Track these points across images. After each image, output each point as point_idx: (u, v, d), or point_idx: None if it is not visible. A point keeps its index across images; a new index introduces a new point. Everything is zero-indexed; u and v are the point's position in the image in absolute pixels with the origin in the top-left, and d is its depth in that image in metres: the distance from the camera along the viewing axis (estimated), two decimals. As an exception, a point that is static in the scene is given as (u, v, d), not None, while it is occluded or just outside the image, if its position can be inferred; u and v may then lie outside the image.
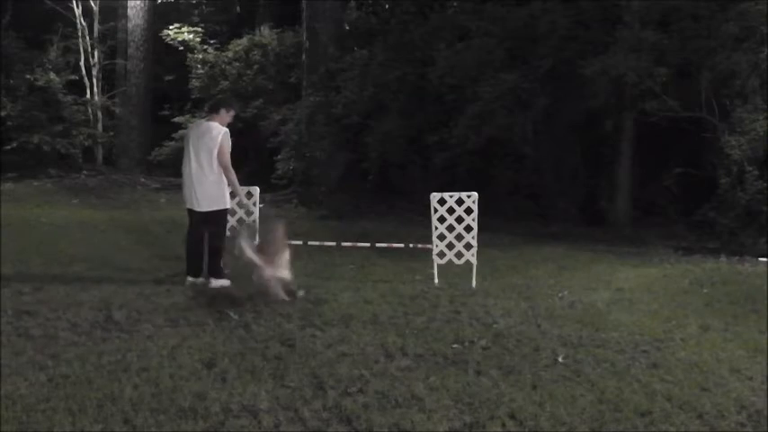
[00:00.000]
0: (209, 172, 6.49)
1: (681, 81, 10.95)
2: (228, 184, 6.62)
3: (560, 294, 6.82)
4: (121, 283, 6.66)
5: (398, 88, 13.91)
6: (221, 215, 6.67)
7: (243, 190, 6.91)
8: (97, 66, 18.86)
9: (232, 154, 6.61)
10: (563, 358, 4.61)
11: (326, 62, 15.33)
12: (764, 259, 9.28)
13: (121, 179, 17.43)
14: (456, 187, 7.65)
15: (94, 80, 18.81)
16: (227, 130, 6.58)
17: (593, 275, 8.00)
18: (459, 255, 7.27)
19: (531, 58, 12.33)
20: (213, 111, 6.74)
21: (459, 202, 7.25)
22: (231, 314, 5.57)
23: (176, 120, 18.83)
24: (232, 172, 6.56)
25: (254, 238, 6.73)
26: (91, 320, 5.29)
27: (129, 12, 18.95)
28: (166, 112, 19.62)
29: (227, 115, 6.72)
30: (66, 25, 18.60)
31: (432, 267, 7.34)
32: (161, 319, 5.38)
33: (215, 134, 6.51)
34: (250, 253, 6.10)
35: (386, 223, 12.20)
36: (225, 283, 6.56)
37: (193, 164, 6.53)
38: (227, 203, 6.67)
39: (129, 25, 18.96)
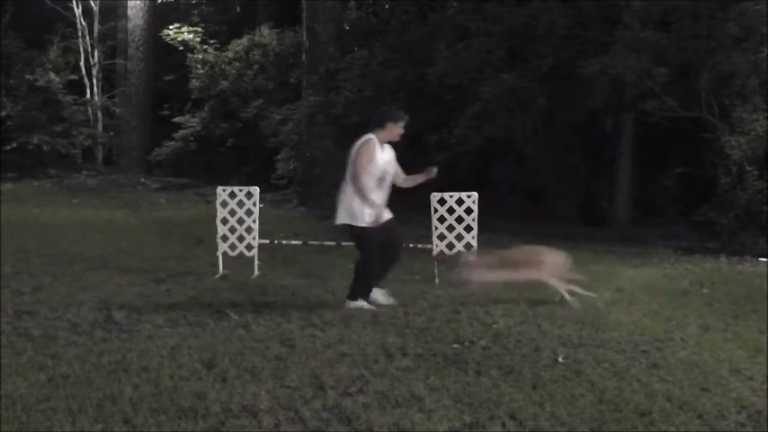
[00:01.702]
0: (348, 184, 5.96)
1: (681, 81, 10.93)
2: (358, 197, 5.89)
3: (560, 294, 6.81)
4: (121, 283, 6.67)
5: (398, 88, 13.90)
6: (356, 232, 5.98)
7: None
8: (97, 66, 18.90)
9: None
10: (563, 358, 4.61)
11: (326, 62, 15.33)
12: (764, 259, 9.28)
13: (121, 179, 17.45)
14: (456, 187, 7.64)
15: (94, 80, 18.84)
16: (369, 138, 5.94)
17: (593, 275, 7.98)
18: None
19: (531, 58, 12.32)
20: (377, 125, 6.05)
21: (459, 202, 7.25)
22: (231, 314, 5.57)
23: (176, 120, 18.86)
24: (361, 182, 5.85)
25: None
26: (91, 320, 5.29)
27: (129, 12, 18.98)
28: (166, 112, 19.65)
29: (396, 127, 6.08)
30: (66, 25, 18.64)
31: (432, 267, 7.34)
32: (161, 319, 5.39)
33: (356, 143, 5.99)
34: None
35: (386, 223, 12.18)
36: (362, 305, 5.95)
37: (346, 177, 6.01)
38: (364, 220, 5.90)
39: (129, 25, 18.98)
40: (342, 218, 5.98)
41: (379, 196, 6.00)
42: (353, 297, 6.00)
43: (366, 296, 6.04)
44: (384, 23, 16.50)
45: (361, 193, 5.85)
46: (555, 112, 12.72)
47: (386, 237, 6.01)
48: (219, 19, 20.83)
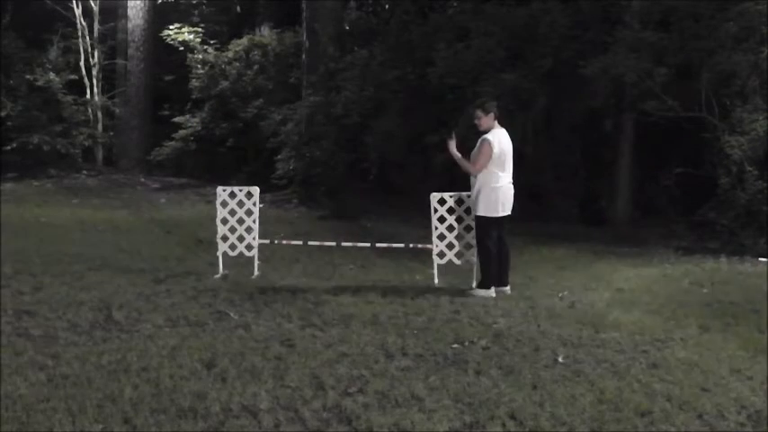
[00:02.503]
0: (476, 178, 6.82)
1: (681, 81, 10.92)
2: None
3: (560, 294, 6.83)
4: (121, 283, 6.67)
5: (398, 88, 13.89)
6: (477, 222, 6.87)
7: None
8: (97, 66, 18.87)
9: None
10: (563, 358, 4.62)
11: (326, 62, 15.32)
12: (764, 259, 9.27)
13: (121, 179, 17.42)
14: (456, 187, 7.64)
15: (94, 80, 18.82)
16: (485, 137, 6.75)
17: (593, 275, 7.99)
18: (459, 255, 7.27)
19: (531, 58, 12.31)
20: (483, 112, 6.84)
21: (459, 201, 7.26)
22: (231, 314, 5.57)
23: (176, 120, 18.85)
24: (479, 166, 6.78)
25: None
26: (91, 320, 5.30)
27: (129, 12, 18.95)
28: (166, 112, 19.62)
29: (487, 118, 6.83)
30: (66, 25, 18.61)
31: (432, 267, 7.35)
32: (161, 319, 5.39)
33: (478, 142, 6.79)
34: None
35: (386, 223, 12.20)
36: (483, 293, 6.64)
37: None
38: (482, 210, 6.79)
39: (129, 25, 18.95)
40: (477, 209, 6.79)
41: (507, 178, 6.98)
42: (482, 286, 6.69)
43: (488, 285, 6.66)
44: (384, 23, 16.48)
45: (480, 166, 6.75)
46: (555, 112, 12.71)
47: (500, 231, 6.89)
48: (219, 19, 20.80)
